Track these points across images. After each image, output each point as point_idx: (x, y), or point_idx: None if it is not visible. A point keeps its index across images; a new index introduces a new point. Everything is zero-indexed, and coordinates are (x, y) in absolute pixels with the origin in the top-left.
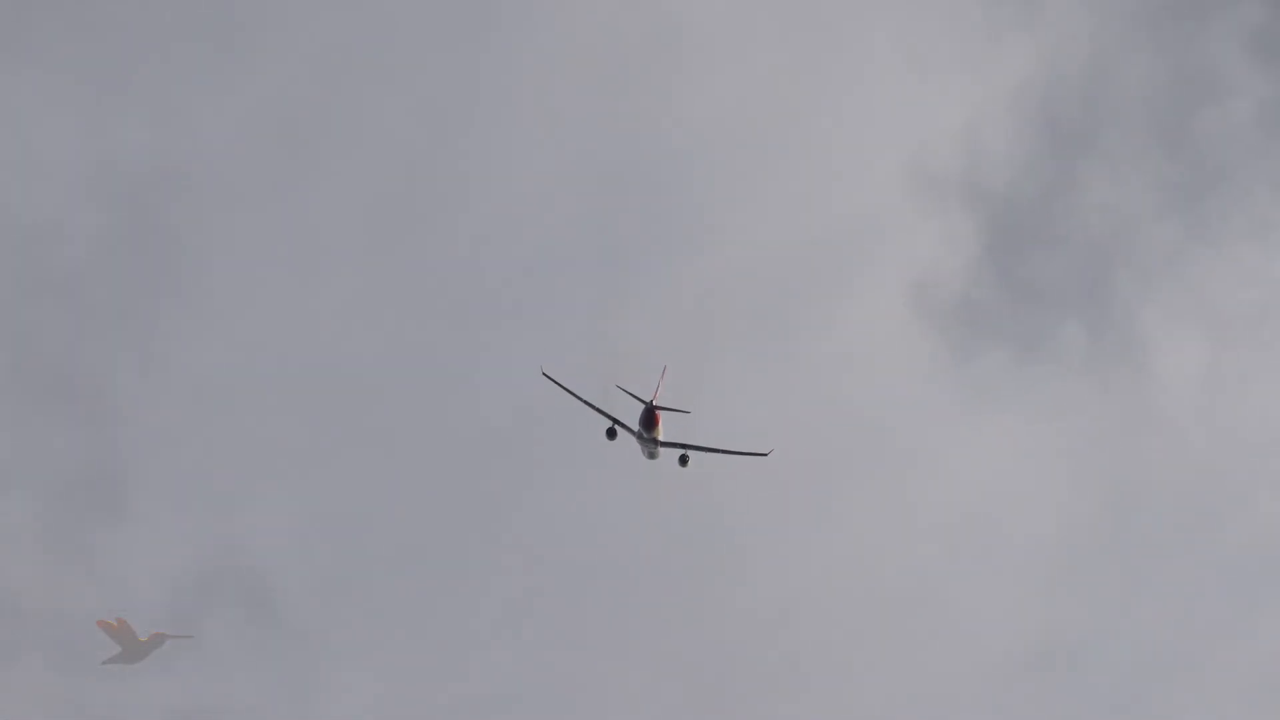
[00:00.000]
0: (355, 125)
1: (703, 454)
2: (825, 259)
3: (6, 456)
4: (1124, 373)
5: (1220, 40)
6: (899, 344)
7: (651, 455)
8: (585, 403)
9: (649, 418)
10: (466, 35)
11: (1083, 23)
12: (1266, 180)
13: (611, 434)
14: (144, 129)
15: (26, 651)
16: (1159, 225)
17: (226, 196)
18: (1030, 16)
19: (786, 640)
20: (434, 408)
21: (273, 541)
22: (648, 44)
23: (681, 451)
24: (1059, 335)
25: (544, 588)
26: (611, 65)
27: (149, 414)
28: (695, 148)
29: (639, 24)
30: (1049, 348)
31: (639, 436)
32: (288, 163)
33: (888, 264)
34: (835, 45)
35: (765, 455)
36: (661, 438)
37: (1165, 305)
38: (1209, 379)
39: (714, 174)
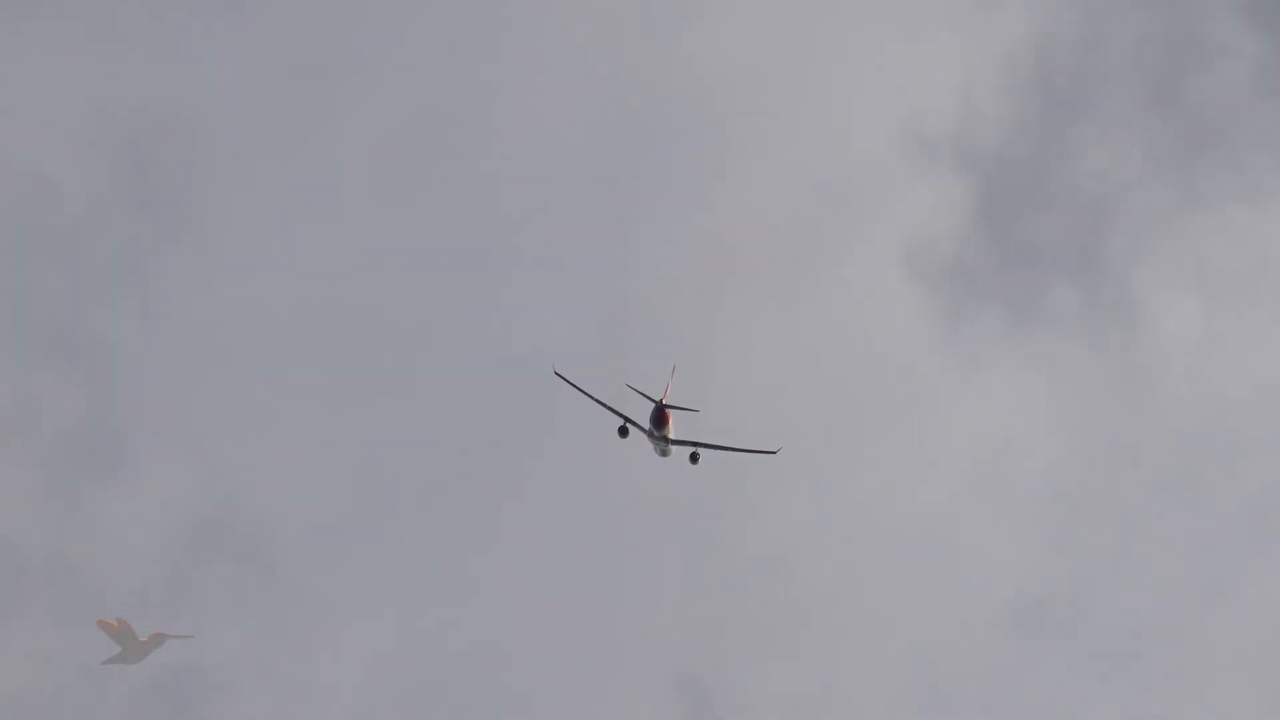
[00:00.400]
0: (366, 69)
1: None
2: (819, 221)
3: (6, 408)
4: (1117, 334)
5: (1213, 3)
6: (893, 305)
7: (663, 453)
8: (597, 401)
9: (659, 416)
10: None
11: None
12: (1259, 142)
13: (623, 432)
14: (147, 70)
15: (26, 603)
16: (1152, 187)
17: (230, 144)
18: None
19: (789, 586)
20: (438, 359)
21: (272, 494)
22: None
23: (693, 449)
24: (1052, 297)
25: (549, 539)
26: (619, 19)
27: (149, 366)
28: (693, 108)
29: None
30: (1042, 309)
31: (650, 435)
32: (293, 109)
33: (882, 226)
34: (831, 8)
35: (774, 453)
36: (672, 436)
37: (1158, 266)
38: (1202, 340)
39: (708, 136)
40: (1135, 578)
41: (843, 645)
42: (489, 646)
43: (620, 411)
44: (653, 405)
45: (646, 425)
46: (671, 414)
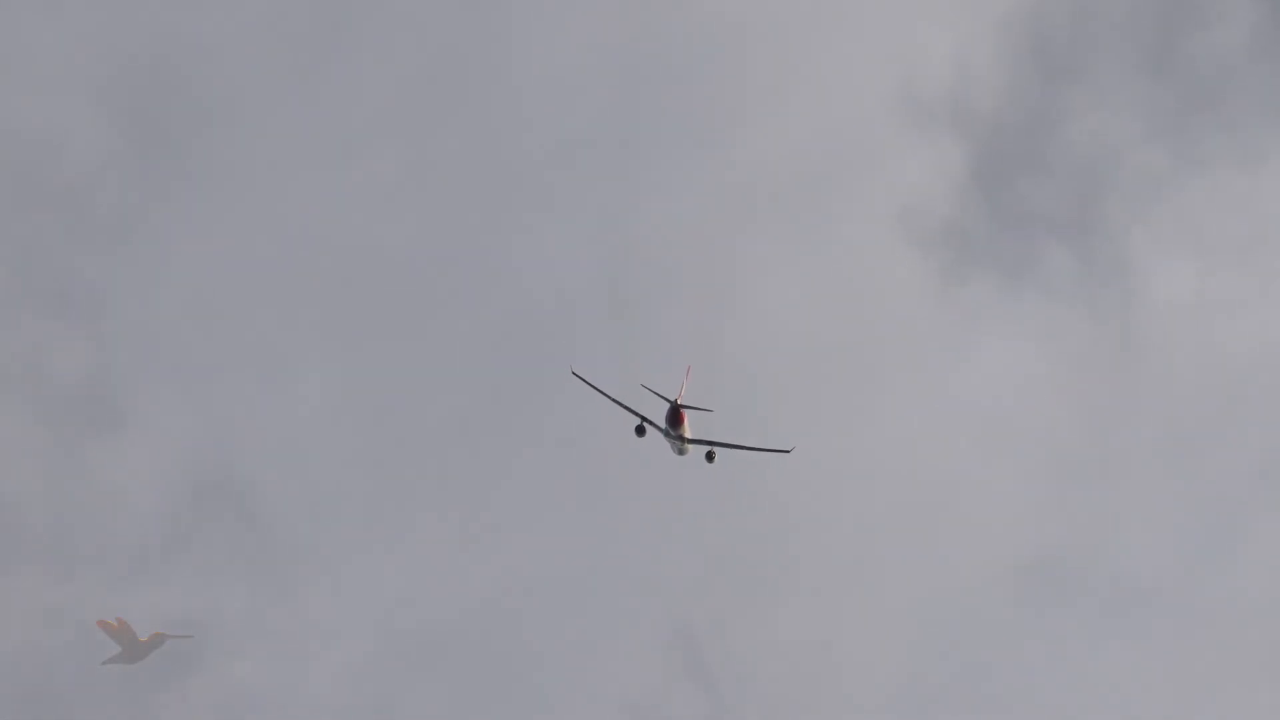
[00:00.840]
0: (376, 8)
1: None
2: (813, 184)
3: (4, 364)
4: (1112, 297)
5: None
6: (887, 269)
7: (680, 451)
8: (614, 401)
9: (674, 416)
10: None
11: None
12: (1255, 106)
13: (640, 431)
14: (149, 15)
15: (24, 563)
16: (1147, 151)
17: (231, 92)
18: None
19: (784, 549)
20: (441, 313)
21: (273, 450)
22: None
23: (709, 448)
24: (1047, 261)
25: (549, 495)
26: None
27: (147, 321)
28: (687, 71)
29: None
30: (1037, 273)
31: (666, 434)
32: (299, 54)
33: (876, 189)
34: None
35: (788, 452)
36: (688, 435)
37: (1153, 230)
38: (1197, 304)
39: (702, 98)
40: (1130, 541)
41: (838, 605)
42: (489, 602)
43: (637, 411)
44: (668, 405)
45: (663, 424)
46: (687, 413)
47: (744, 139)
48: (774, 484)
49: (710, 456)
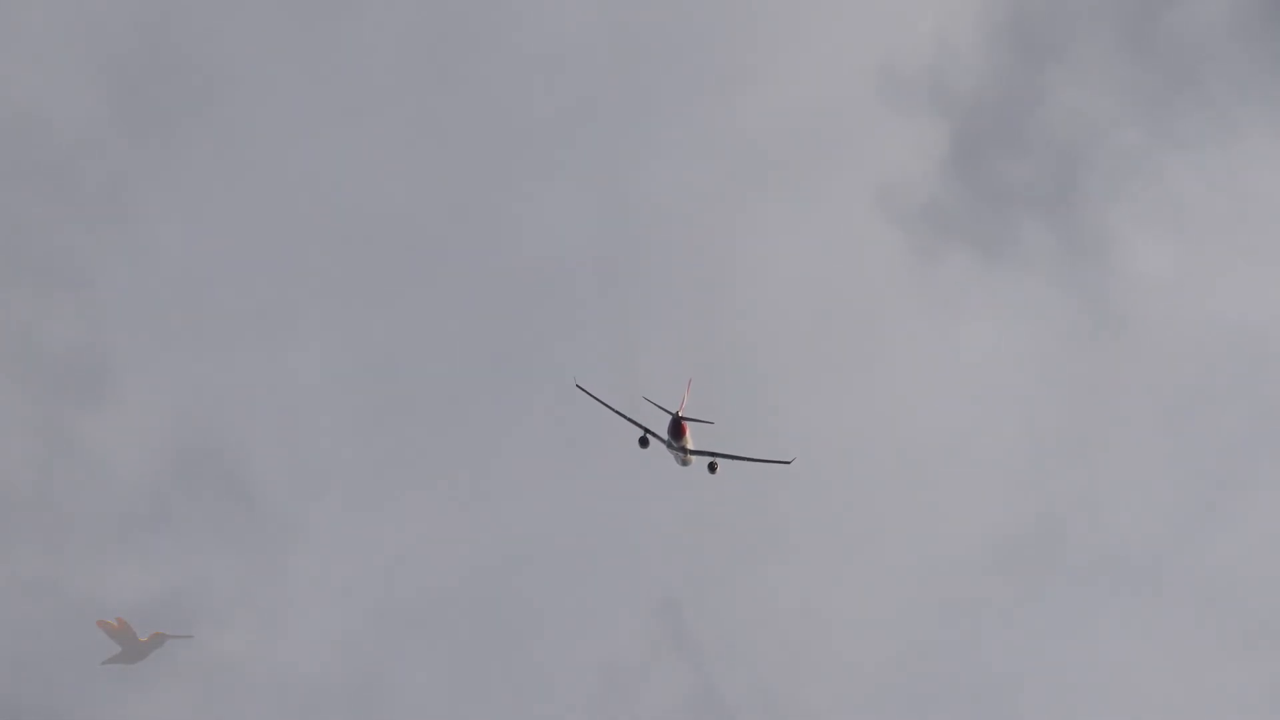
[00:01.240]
0: None
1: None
2: (793, 162)
3: None
4: (1091, 274)
5: None
6: (867, 246)
7: (684, 462)
8: (617, 413)
9: (676, 428)
10: None
11: None
12: (1234, 83)
13: (644, 442)
14: None
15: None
16: (1127, 128)
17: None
18: None
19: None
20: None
21: (259, 422)
22: None
23: (711, 460)
24: (1027, 237)
25: (535, 463)
26: None
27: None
28: (667, 50)
29: None
30: (1017, 250)
31: (669, 445)
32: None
33: (856, 166)
34: None
35: (788, 463)
36: (691, 446)
37: (1132, 207)
38: (1176, 280)
39: (682, 77)
40: (1111, 516)
41: (823, 577)
42: (478, 572)
43: (640, 423)
44: (670, 417)
45: (665, 436)
46: (689, 425)
47: (723, 117)
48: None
49: (712, 468)
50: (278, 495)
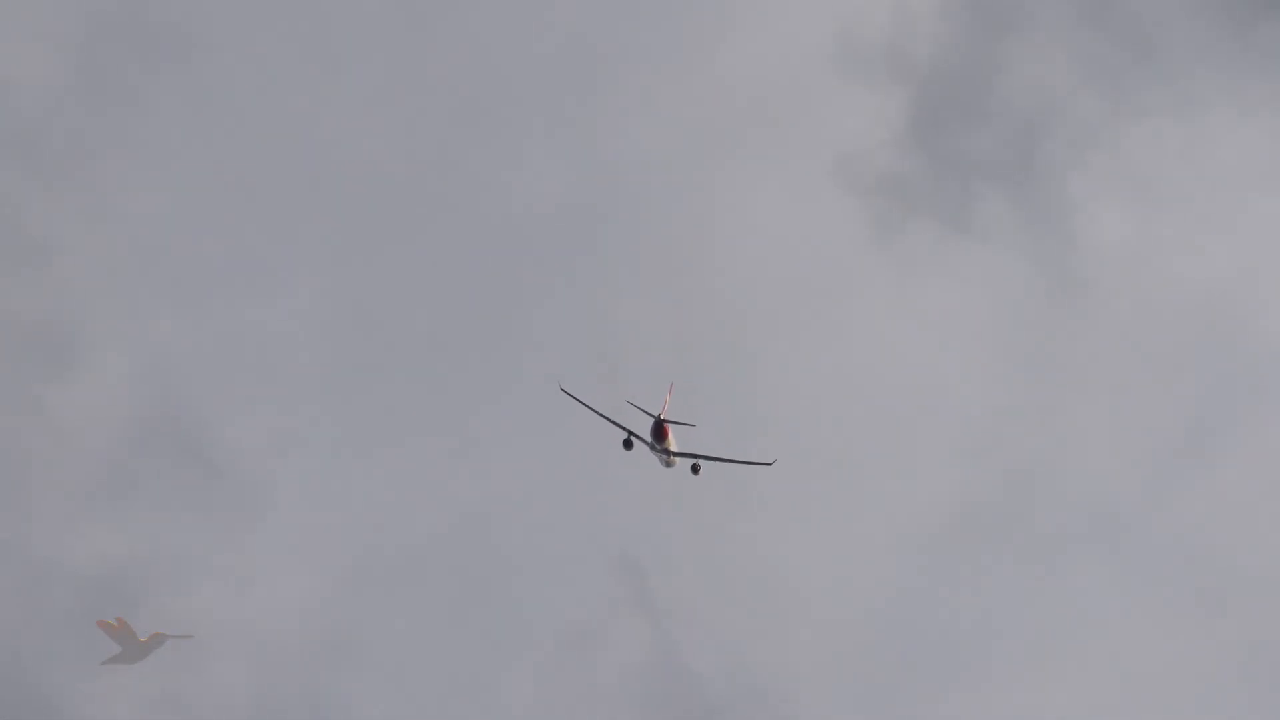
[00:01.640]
0: None
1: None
2: (750, 131)
3: None
4: (1051, 244)
5: None
6: (826, 216)
7: (667, 464)
8: (602, 416)
9: (658, 430)
10: None
11: None
12: (1192, 54)
13: (628, 445)
14: None
15: None
16: (1086, 98)
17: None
18: None
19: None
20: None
21: (220, 392)
22: None
23: (694, 461)
24: (986, 207)
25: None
26: None
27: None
28: (624, 15)
29: None
30: (976, 220)
31: (652, 447)
32: None
33: (814, 136)
34: None
35: (769, 465)
36: (673, 448)
37: (1091, 177)
38: (1136, 250)
39: (638, 46)
40: (1072, 485)
41: (785, 541)
42: (447, 529)
43: (624, 425)
44: (652, 420)
45: (648, 438)
46: (671, 427)
47: (680, 87)
48: (723, 432)
49: (695, 469)
50: (245, 459)
